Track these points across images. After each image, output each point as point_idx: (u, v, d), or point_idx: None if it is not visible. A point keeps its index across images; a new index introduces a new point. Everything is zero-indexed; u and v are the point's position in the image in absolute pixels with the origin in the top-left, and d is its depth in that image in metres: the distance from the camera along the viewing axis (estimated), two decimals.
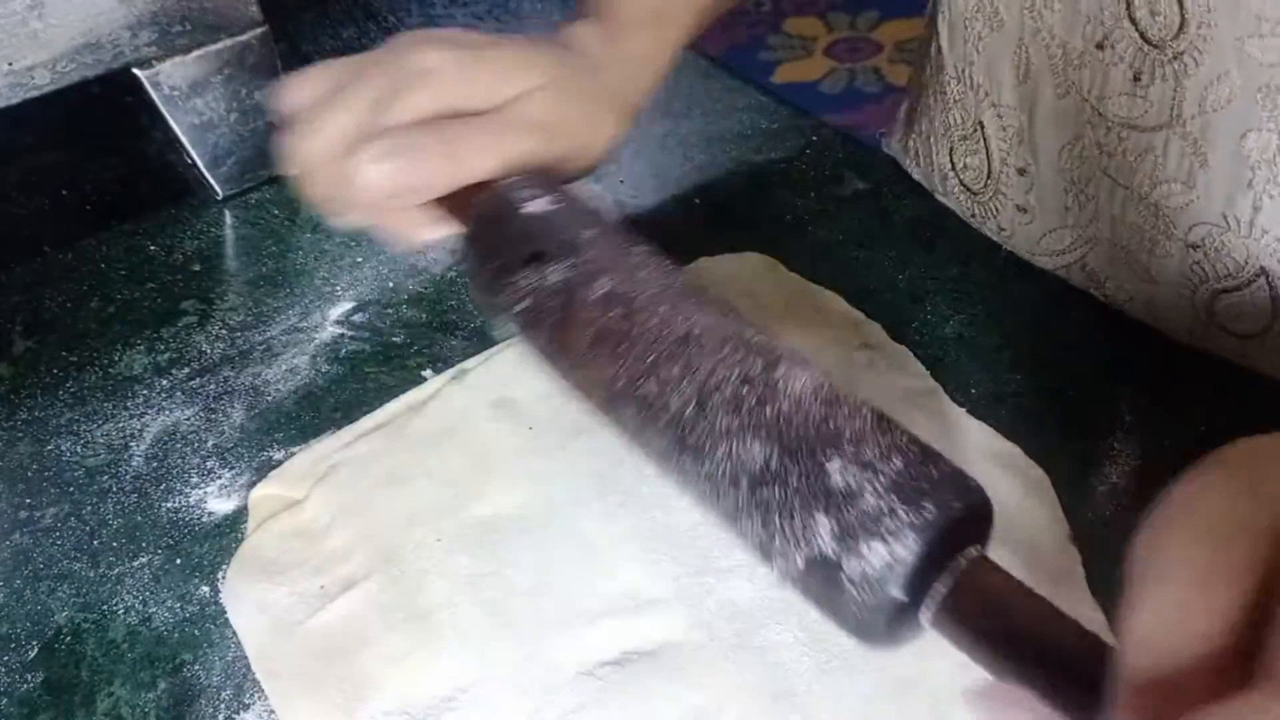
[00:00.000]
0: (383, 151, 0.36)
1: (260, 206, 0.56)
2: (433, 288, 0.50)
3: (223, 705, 0.35)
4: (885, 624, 0.25)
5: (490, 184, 0.37)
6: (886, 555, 0.25)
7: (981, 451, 0.41)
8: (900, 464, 0.26)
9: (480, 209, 0.36)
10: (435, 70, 0.37)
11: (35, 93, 0.47)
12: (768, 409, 0.28)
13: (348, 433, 0.43)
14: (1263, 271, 0.41)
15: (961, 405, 0.43)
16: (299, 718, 0.34)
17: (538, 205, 0.35)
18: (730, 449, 0.28)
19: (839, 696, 0.34)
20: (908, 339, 0.46)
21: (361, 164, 0.35)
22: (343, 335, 0.48)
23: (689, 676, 0.34)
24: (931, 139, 0.53)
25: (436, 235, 0.39)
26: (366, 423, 0.43)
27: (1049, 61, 0.44)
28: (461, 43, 0.39)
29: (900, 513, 0.25)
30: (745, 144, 0.58)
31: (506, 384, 0.44)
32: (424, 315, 0.49)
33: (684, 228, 0.53)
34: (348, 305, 0.49)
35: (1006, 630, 0.24)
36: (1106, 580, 0.36)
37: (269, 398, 0.45)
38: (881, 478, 0.25)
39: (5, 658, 0.36)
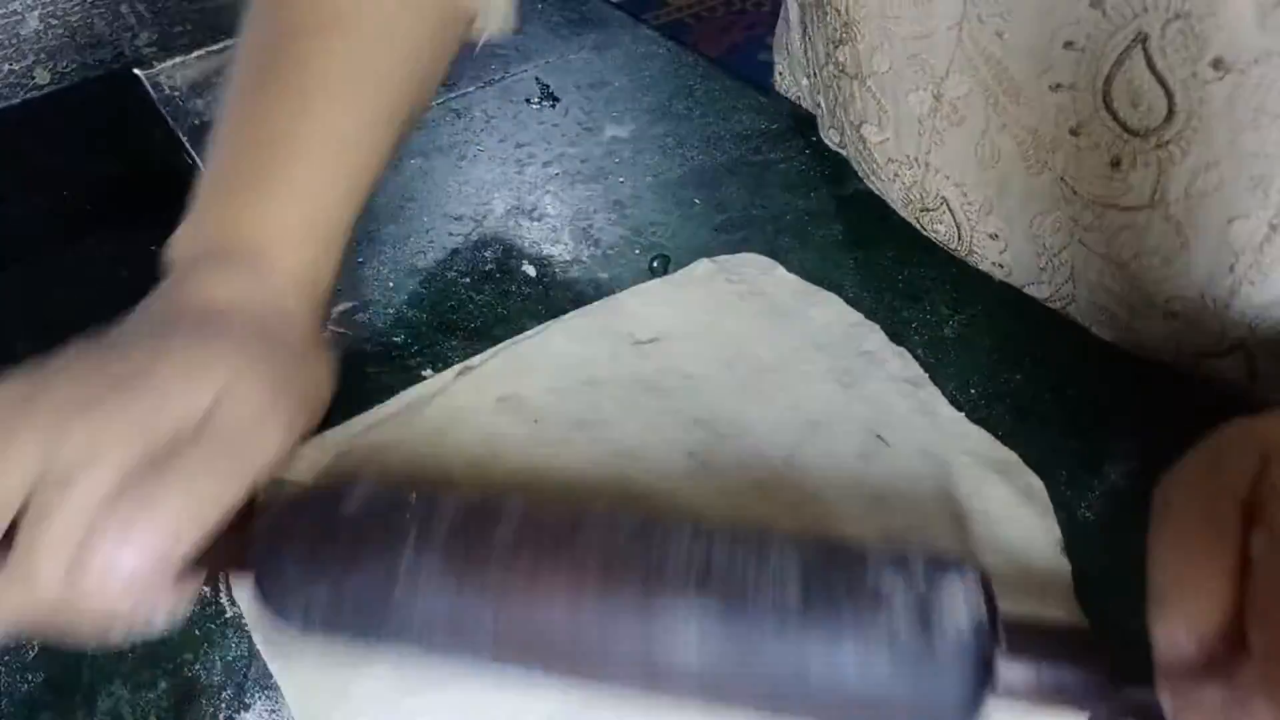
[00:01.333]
0: (123, 523, 0.28)
1: None
2: (433, 288, 0.50)
3: (223, 705, 0.35)
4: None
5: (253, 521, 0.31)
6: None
7: (978, 457, 0.40)
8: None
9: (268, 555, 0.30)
10: (98, 451, 0.28)
11: (35, 93, 0.47)
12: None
13: (358, 422, 0.43)
14: (1241, 345, 0.40)
15: (961, 405, 0.43)
16: (303, 692, 0.35)
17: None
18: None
19: None
20: (907, 339, 0.46)
21: (102, 546, 0.27)
22: (343, 335, 0.48)
23: None
24: (887, 201, 0.52)
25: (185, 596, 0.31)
26: (376, 414, 0.43)
27: (1018, 148, 0.43)
28: (90, 395, 0.31)
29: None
30: (745, 144, 0.58)
31: (511, 379, 0.44)
32: (424, 315, 0.49)
33: (684, 228, 0.53)
34: (347, 305, 0.49)
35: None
36: (1105, 581, 0.36)
37: None
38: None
39: (6, 658, 0.36)
